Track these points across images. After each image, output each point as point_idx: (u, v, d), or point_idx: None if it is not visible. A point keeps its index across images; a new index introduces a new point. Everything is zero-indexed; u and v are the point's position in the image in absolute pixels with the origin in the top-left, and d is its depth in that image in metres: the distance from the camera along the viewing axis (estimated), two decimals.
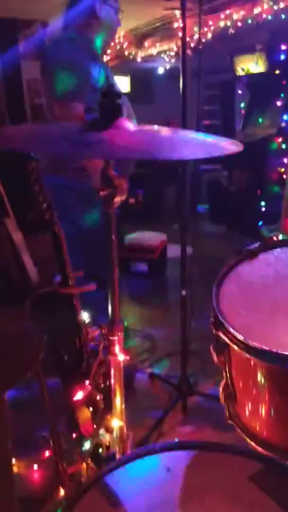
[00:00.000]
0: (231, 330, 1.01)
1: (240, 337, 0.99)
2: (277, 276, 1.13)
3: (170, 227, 4.45)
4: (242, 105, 5.44)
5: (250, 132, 4.91)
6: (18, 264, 2.03)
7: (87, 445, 1.43)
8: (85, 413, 1.41)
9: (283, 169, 4.39)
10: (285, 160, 4.31)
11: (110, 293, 1.23)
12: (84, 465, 1.44)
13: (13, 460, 1.81)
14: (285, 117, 4.56)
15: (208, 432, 2.18)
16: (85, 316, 1.31)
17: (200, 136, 1.14)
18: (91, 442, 1.37)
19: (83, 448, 1.45)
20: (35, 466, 1.83)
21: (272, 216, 4.54)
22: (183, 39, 2.08)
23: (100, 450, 1.40)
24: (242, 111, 5.38)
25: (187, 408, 2.38)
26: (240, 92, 5.47)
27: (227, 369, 1.11)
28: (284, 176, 4.26)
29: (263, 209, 4.66)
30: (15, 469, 1.83)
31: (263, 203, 4.65)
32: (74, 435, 1.53)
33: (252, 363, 1.03)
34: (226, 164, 5.30)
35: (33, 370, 1.07)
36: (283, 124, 4.56)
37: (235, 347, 1.01)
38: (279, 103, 4.68)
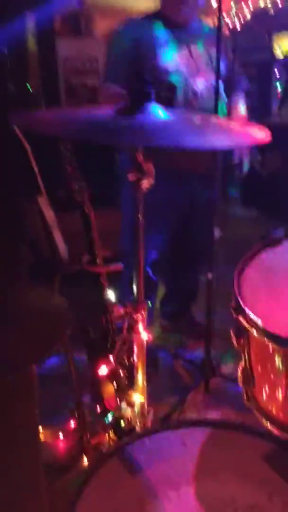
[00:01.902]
0: (251, 315, 1.03)
1: (260, 322, 1.02)
2: None
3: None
4: (278, 87, 5.31)
5: (286, 114, 4.80)
6: (49, 241, 2.09)
7: (110, 418, 1.49)
8: (110, 388, 1.48)
9: None
10: None
11: (135, 273, 1.27)
12: (107, 436, 1.51)
13: (40, 429, 1.91)
14: None
15: (229, 413, 2.22)
16: (111, 295, 1.36)
17: (232, 125, 1.15)
18: (113, 415, 1.43)
19: (106, 421, 1.51)
20: (61, 435, 1.91)
21: None
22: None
23: (122, 423, 1.46)
24: (279, 92, 5.25)
25: (209, 389, 2.42)
26: (277, 73, 5.33)
27: (246, 353, 1.14)
28: None
29: None
30: (41, 437, 1.92)
31: None
32: (98, 408, 1.60)
33: (270, 349, 1.06)
34: (259, 147, 5.21)
35: (60, 344, 1.12)
36: None
37: (254, 332, 1.04)
38: None
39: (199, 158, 2.17)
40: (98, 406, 1.63)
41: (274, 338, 1.01)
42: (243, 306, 1.05)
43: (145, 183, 1.16)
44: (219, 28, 1.92)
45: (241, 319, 1.07)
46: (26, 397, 1.18)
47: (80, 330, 1.96)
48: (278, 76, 5.31)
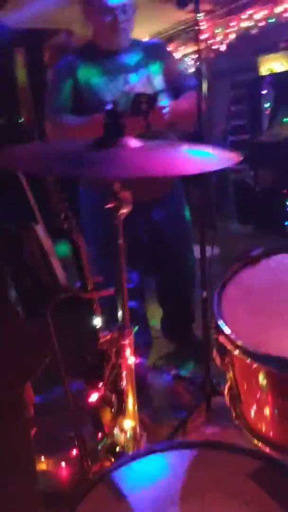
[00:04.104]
0: (231, 335, 1.05)
1: (240, 342, 1.03)
2: (278, 281, 1.17)
3: (196, 228, 4.46)
4: (267, 104, 5.40)
5: (275, 132, 4.88)
6: (47, 269, 2.12)
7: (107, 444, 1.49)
8: (109, 414, 1.49)
9: None
10: None
11: (119, 298, 1.29)
12: (108, 463, 1.51)
13: (42, 458, 1.91)
14: None
15: (232, 432, 2.19)
16: (97, 321, 1.38)
17: (200, 150, 1.18)
18: (106, 442, 1.44)
19: (106, 447, 1.52)
20: (63, 464, 1.91)
21: None
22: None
23: (117, 448, 1.46)
24: (267, 111, 5.34)
25: (211, 408, 2.41)
26: (265, 91, 5.43)
27: (230, 372, 1.16)
28: None
29: None
30: (44, 466, 1.93)
31: None
32: (99, 434, 1.61)
33: (253, 367, 1.07)
34: (252, 164, 5.28)
35: (40, 371, 1.14)
36: None
37: (236, 352, 1.06)
38: None
39: (154, 184, 2.19)
40: (99, 431, 1.64)
41: (255, 356, 1.02)
42: (223, 326, 1.07)
43: (122, 211, 1.19)
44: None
45: (222, 339, 1.08)
46: (16, 421, 1.19)
47: (77, 356, 1.98)
48: (266, 95, 5.41)
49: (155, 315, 3.26)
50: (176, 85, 2.24)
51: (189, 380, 2.61)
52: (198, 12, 2.00)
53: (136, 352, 2.59)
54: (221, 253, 3.68)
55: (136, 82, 2.16)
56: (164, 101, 2.06)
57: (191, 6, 2.01)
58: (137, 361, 2.58)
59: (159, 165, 1.05)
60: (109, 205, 1.18)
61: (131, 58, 2.20)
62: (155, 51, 2.29)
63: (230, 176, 5.75)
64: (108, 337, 1.28)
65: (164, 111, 2.02)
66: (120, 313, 1.30)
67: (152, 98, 1.98)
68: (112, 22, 2.07)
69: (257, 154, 5.15)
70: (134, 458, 1.06)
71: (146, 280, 2.67)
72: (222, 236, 4.43)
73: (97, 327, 1.48)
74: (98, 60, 2.16)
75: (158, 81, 2.22)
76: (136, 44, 2.26)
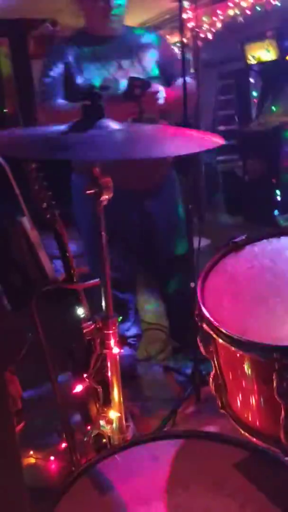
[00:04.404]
0: (215, 322, 1.03)
1: (223, 330, 1.01)
2: (262, 268, 1.15)
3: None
4: (255, 94, 5.38)
5: (264, 121, 4.86)
6: (34, 261, 2.09)
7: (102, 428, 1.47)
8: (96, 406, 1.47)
9: None
10: None
11: (103, 288, 1.26)
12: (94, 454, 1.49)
13: (31, 452, 1.90)
14: None
15: (221, 422, 2.19)
16: (80, 311, 1.36)
17: (184, 132, 1.15)
18: (93, 434, 1.42)
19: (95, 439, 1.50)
20: (52, 457, 1.89)
21: (287, 205, 4.50)
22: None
23: (104, 440, 1.45)
24: (255, 100, 5.32)
25: (200, 398, 2.41)
26: (253, 80, 5.41)
27: (215, 360, 1.14)
28: None
29: (278, 198, 4.62)
30: (33, 460, 1.91)
31: (278, 192, 4.61)
32: (88, 427, 1.59)
33: (237, 354, 1.05)
34: (240, 154, 5.26)
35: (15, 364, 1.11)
36: None
37: (220, 340, 1.03)
38: None
39: (147, 175, 2.17)
40: (87, 424, 1.62)
41: (239, 343, 1.00)
42: (206, 313, 1.05)
43: (103, 197, 1.16)
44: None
45: (205, 326, 1.06)
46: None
47: (64, 348, 1.95)
48: (254, 84, 5.38)
49: (145, 307, 3.26)
50: (169, 73, 2.22)
51: (178, 371, 2.60)
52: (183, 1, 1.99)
53: (126, 343, 2.59)
54: (211, 244, 3.67)
55: (129, 67, 2.14)
56: (159, 87, 2.04)
57: None
58: (127, 352, 2.58)
59: (139, 147, 1.02)
60: (89, 191, 1.15)
61: (125, 44, 2.18)
62: (149, 38, 2.26)
63: (219, 166, 5.73)
64: (92, 327, 1.25)
65: (158, 95, 2.00)
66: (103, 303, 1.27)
67: (145, 83, 1.98)
68: (105, 7, 2.06)
69: (245, 144, 5.13)
70: (118, 449, 1.04)
71: (139, 272, 2.65)
72: (212, 227, 4.42)
73: (81, 317, 1.46)
74: (90, 45, 2.15)
75: (152, 68, 2.19)
76: (130, 31, 2.25)
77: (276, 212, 4.61)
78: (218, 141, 1.09)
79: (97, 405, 1.46)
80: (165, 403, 2.36)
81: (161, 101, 2.02)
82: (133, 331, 2.59)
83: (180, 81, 2.12)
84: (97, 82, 2.11)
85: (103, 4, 2.06)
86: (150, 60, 2.20)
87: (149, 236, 2.43)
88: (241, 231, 4.60)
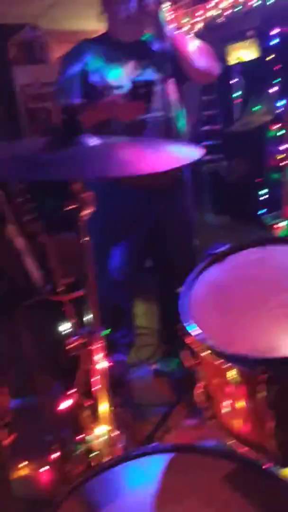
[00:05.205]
0: (199, 336, 1.03)
1: (207, 342, 1.01)
2: (246, 277, 1.15)
3: None
4: (237, 93, 5.39)
5: (247, 121, 4.88)
6: (21, 269, 2.08)
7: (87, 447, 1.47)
8: (87, 416, 1.46)
9: (281, 156, 4.34)
10: (282, 147, 4.27)
11: (88, 301, 1.25)
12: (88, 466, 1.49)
13: (23, 464, 1.88)
14: (280, 103, 4.52)
15: (213, 426, 2.20)
16: (66, 326, 1.35)
17: (164, 146, 1.15)
18: (82, 447, 1.41)
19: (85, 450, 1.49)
20: (45, 468, 1.89)
21: (273, 203, 4.51)
22: None
23: (94, 453, 1.44)
24: (238, 100, 5.33)
25: (192, 402, 2.40)
26: (235, 80, 5.42)
27: (201, 371, 1.14)
28: (283, 163, 4.22)
29: (264, 197, 4.64)
30: (25, 472, 1.90)
31: (263, 192, 4.63)
32: (79, 437, 1.58)
33: (223, 366, 1.05)
34: (225, 154, 5.27)
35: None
36: (279, 111, 4.52)
37: (204, 353, 1.03)
38: (273, 90, 4.64)
39: (158, 174, 2.18)
40: (78, 434, 1.61)
41: (224, 356, 1.00)
42: (189, 326, 1.05)
43: (84, 213, 1.15)
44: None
45: (190, 339, 1.06)
46: None
47: (52, 360, 1.95)
48: (236, 84, 5.39)
49: (140, 313, 3.25)
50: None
51: (169, 375, 2.60)
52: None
53: (118, 350, 2.58)
54: (198, 244, 3.67)
55: (145, 69, 2.21)
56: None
57: None
58: (118, 359, 2.57)
59: (118, 164, 1.01)
60: (69, 207, 1.14)
61: (143, 47, 2.24)
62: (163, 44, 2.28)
63: (204, 167, 5.74)
64: (77, 342, 1.25)
65: None
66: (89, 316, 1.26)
67: (149, 83, 2.06)
68: (127, 13, 2.13)
69: (229, 144, 5.15)
70: (107, 467, 1.04)
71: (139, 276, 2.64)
72: (199, 227, 4.42)
73: (65, 332, 1.45)
74: (109, 48, 2.22)
75: (166, 69, 2.20)
76: (149, 39, 2.30)
77: (261, 212, 4.63)
78: (198, 153, 1.09)
79: (87, 417, 1.45)
80: (156, 408, 2.36)
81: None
82: (126, 339, 2.59)
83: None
84: (110, 81, 2.16)
85: (124, 11, 2.13)
86: (165, 63, 2.21)
87: (157, 238, 2.44)
88: (228, 231, 4.63)
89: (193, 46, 2.20)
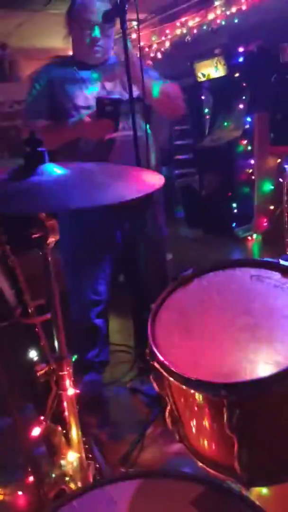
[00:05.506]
0: (165, 362, 1.04)
1: (173, 368, 1.03)
2: (211, 301, 1.17)
3: None
4: (207, 110, 5.49)
5: (217, 137, 4.97)
6: None
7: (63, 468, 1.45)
8: (61, 438, 1.45)
9: (251, 170, 4.45)
10: (252, 161, 4.37)
11: (54, 326, 1.26)
12: (65, 488, 1.48)
13: None
14: (248, 119, 4.62)
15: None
16: (32, 354, 1.34)
17: (129, 174, 1.17)
18: (54, 473, 1.40)
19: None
20: (19, 493, 1.86)
21: (244, 217, 4.60)
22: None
23: (67, 478, 1.43)
24: (207, 116, 5.43)
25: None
26: (204, 97, 5.53)
27: (169, 396, 1.15)
28: (253, 177, 4.32)
29: (235, 210, 4.72)
30: (0, 497, 1.87)
31: (234, 205, 4.72)
32: (54, 458, 1.57)
33: (189, 391, 1.07)
34: (197, 169, 5.36)
35: None
36: (247, 126, 4.63)
37: (170, 378, 1.05)
38: (241, 106, 4.75)
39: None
40: (52, 455, 1.60)
41: (188, 382, 1.02)
42: (156, 352, 1.06)
43: (50, 241, 1.16)
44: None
45: (156, 365, 1.07)
46: None
47: (25, 382, 1.92)
48: (205, 100, 5.50)
49: (115, 330, 3.24)
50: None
51: (145, 392, 2.60)
52: (126, 26, 2.03)
53: (93, 369, 2.56)
54: (172, 259, 3.70)
55: (111, 88, 2.25)
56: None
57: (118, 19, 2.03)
58: (92, 378, 2.56)
59: (81, 195, 1.03)
60: (35, 236, 1.15)
61: (109, 69, 2.28)
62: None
63: (177, 181, 5.81)
64: (46, 369, 1.25)
65: None
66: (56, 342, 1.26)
67: (115, 100, 2.08)
68: (90, 39, 2.19)
69: (200, 158, 5.23)
70: (76, 495, 1.04)
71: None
72: (173, 241, 4.47)
73: (35, 357, 1.44)
74: (75, 68, 2.25)
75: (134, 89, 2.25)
76: (115, 59, 2.35)
77: (233, 225, 4.71)
78: (159, 181, 1.11)
79: (60, 442, 1.45)
80: (132, 427, 2.35)
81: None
82: (101, 357, 2.58)
83: (164, 83, 2.27)
84: (77, 102, 2.20)
85: (88, 36, 2.18)
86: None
87: (129, 255, 2.45)
88: (201, 244, 4.68)
89: (158, 91, 2.21)
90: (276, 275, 1.18)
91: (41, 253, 1.21)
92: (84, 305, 2.43)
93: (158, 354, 1.06)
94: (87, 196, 0.99)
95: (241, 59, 4.65)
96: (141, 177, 1.15)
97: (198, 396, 1.04)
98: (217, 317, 1.14)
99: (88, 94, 2.21)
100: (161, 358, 1.05)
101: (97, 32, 2.18)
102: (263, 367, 0.99)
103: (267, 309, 1.12)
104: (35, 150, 1.13)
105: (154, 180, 1.12)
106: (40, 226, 1.15)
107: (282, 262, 1.19)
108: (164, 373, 1.06)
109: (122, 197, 0.99)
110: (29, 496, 1.80)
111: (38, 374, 1.25)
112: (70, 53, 2.37)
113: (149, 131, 2.18)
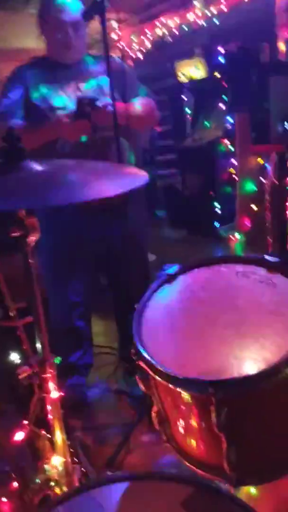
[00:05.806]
0: (151, 361, 1.02)
1: (159, 367, 1.00)
2: (196, 299, 1.15)
3: None
4: (188, 110, 5.50)
5: (198, 137, 4.98)
6: None
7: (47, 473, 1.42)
8: (45, 443, 1.42)
9: (232, 170, 4.45)
10: (233, 161, 4.38)
11: (36, 328, 1.23)
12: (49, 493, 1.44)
13: None
14: (229, 118, 4.64)
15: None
16: (14, 357, 1.31)
17: (111, 170, 1.15)
18: (39, 478, 1.37)
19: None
20: (4, 499, 1.82)
21: (227, 216, 4.61)
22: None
23: (52, 483, 1.40)
24: (189, 116, 5.45)
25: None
26: (185, 97, 5.54)
27: (156, 396, 1.13)
28: (235, 177, 4.32)
29: (218, 210, 4.73)
30: None
31: (217, 205, 4.72)
32: (38, 463, 1.53)
33: (176, 390, 1.05)
34: (179, 169, 5.37)
35: None
36: (228, 126, 4.64)
37: (157, 377, 1.03)
38: (222, 106, 4.76)
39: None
40: (37, 460, 1.57)
41: (175, 381, 1.00)
42: (142, 351, 1.04)
43: (30, 239, 1.13)
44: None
45: (142, 364, 1.05)
46: None
47: (8, 385, 1.89)
48: (186, 100, 5.51)
49: (99, 332, 3.21)
50: (128, 97, 2.26)
51: (130, 394, 2.58)
52: (105, 24, 2.01)
53: (76, 372, 2.53)
54: (156, 259, 3.69)
55: (87, 89, 2.23)
56: (107, 99, 2.08)
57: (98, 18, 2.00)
58: (76, 381, 2.52)
59: (61, 192, 1.00)
60: (14, 234, 1.12)
61: (84, 69, 2.28)
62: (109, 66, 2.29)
63: (159, 181, 5.81)
64: (28, 372, 1.21)
65: (108, 108, 2.03)
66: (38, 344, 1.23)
67: (93, 100, 2.06)
68: (64, 37, 2.17)
69: (183, 159, 5.23)
70: (61, 499, 1.01)
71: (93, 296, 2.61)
72: (157, 242, 4.46)
73: (18, 360, 1.41)
74: (50, 70, 2.24)
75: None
76: (91, 57, 2.33)
77: (217, 224, 4.72)
78: (143, 178, 1.09)
79: (44, 446, 1.42)
80: (118, 429, 2.33)
81: (110, 113, 2.03)
82: (85, 360, 2.55)
83: (138, 99, 2.24)
84: (53, 102, 2.16)
85: (63, 34, 2.17)
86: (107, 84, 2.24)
87: (110, 256, 2.42)
88: (185, 244, 4.68)
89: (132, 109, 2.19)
90: (262, 271, 1.17)
91: (21, 253, 1.18)
92: (64, 306, 2.39)
93: (144, 353, 1.03)
94: (68, 192, 0.96)
95: (221, 59, 4.67)
96: (123, 174, 1.13)
97: (185, 395, 1.02)
98: (203, 314, 1.12)
99: (63, 94, 2.19)
100: (147, 357, 1.03)
101: (69, 31, 2.16)
102: (250, 363, 0.98)
103: (253, 305, 1.10)
104: (14, 146, 1.10)
105: (136, 177, 1.10)
106: (19, 225, 1.12)
107: (267, 257, 1.18)
108: (150, 373, 1.04)
109: (103, 193, 0.97)
110: (14, 502, 1.77)
111: (20, 377, 1.21)
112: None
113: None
